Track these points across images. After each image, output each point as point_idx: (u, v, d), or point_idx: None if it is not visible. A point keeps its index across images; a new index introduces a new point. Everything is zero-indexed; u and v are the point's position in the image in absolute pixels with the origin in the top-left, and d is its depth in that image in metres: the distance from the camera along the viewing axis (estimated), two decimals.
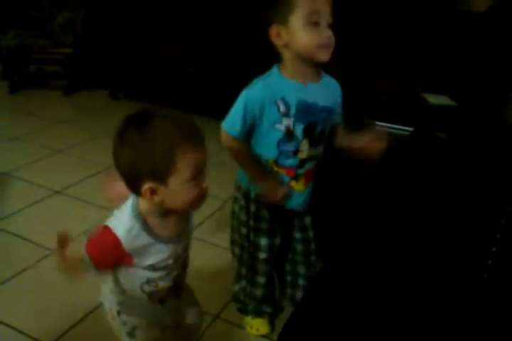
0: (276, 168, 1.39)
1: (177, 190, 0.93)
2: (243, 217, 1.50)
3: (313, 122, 1.33)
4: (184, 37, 3.41)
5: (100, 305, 1.71)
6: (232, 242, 1.63)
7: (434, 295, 0.98)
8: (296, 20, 1.21)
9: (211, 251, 2.03)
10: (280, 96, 1.29)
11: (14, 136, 3.08)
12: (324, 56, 1.25)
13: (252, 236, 1.51)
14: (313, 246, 1.60)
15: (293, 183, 1.42)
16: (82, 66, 3.82)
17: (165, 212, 0.99)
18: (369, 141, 1.35)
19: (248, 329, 1.66)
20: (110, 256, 1.00)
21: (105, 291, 1.17)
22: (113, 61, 3.63)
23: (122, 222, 0.99)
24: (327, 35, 1.22)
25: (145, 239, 0.99)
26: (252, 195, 1.44)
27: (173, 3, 3.50)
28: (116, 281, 1.09)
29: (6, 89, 3.70)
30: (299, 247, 1.60)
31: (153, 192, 0.93)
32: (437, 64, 2.34)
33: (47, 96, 3.73)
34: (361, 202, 1.56)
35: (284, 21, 1.23)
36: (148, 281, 1.06)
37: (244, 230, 1.52)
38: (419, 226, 1.21)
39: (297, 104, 1.29)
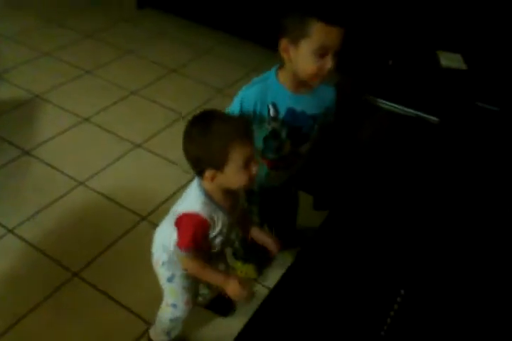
0: (259, 159, 1.53)
1: (231, 175, 1.19)
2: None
3: (298, 127, 1.46)
4: None
5: (122, 236, 2.05)
6: None
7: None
8: (306, 47, 1.26)
9: None
10: (272, 102, 1.40)
11: (45, 51, 3.22)
12: (316, 82, 1.35)
13: (246, 205, 1.75)
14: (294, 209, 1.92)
15: (272, 172, 1.60)
16: None
17: (224, 190, 1.27)
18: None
19: (238, 273, 1.98)
20: (201, 233, 1.26)
21: (158, 246, 1.43)
22: None
23: (196, 201, 1.24)
24: (328, 66, 1.28)
25: (217, 211, 1.26)
26: None
27: None
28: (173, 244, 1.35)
29: None
30: (284, 208, 1.90)
31: (213, 176, 1.20)
32: (449, 17, 2.17)
33: (74, 4, 3.74)
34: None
35: (295, 42, 1.27)
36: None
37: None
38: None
39: (286, 111, 1.42)
